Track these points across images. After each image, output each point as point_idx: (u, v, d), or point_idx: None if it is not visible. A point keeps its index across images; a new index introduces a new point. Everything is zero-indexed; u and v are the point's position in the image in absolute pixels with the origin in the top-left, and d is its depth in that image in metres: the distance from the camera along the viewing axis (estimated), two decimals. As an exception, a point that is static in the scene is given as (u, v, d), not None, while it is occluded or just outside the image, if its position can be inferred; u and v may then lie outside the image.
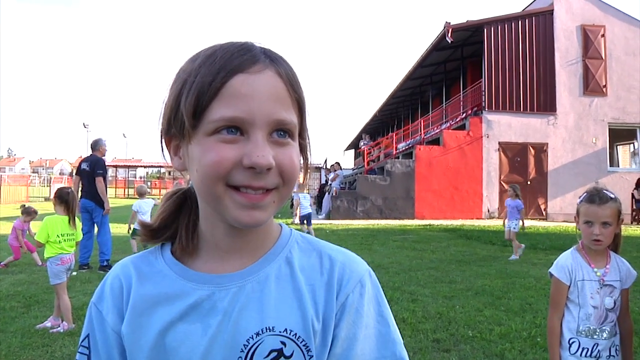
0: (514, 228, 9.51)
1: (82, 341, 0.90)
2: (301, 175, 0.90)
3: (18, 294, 6.58)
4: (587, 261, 2.45)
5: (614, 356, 2.39)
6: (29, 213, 9.35)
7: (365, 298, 0.88)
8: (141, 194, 10.58)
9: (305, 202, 12.78)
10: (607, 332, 2.38)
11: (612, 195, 2.41)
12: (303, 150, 0.87)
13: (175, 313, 0.82)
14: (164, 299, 0.84)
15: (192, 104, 0.76)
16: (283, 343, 0.81)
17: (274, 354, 0.81)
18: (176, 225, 0.92)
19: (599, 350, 2.36)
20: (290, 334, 0.82)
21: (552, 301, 2.51)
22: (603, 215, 2.37)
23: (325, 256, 0.91)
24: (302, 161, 0.87)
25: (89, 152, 9.08)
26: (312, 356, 0.82)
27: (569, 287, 2.43)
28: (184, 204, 0.93)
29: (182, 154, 0.83)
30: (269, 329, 0.81)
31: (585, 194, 2.49)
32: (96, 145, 8.81)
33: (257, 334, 0.81)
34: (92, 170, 8.50)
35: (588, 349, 2.37)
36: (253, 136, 0.76)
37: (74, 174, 10.92)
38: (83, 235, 7.82)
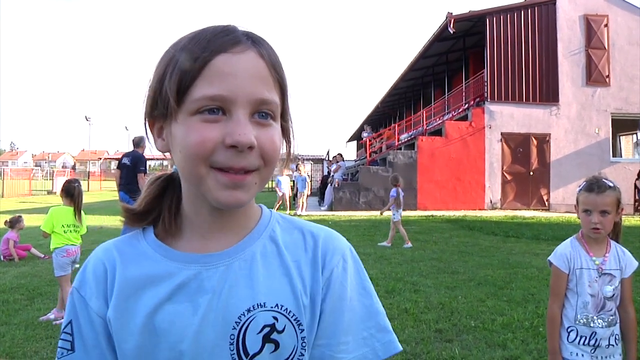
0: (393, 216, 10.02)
1: (64, 328, 0.88)
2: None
3: (21, 286, 6.61)
4: (586, 250, 2.45)
5: (613, 345, 2.39)
6: (17, 221, 9.40)
7: (349, 272, 0.91)
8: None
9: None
10: (604, 320, 2.38)
11: (610, 184, 2.41)
12: (285, 132, 0.87)
13: (163, 294, 0.82)
14: (150, 281, 0.84)
15: (175, 83, 0.77)
16: (275, 318, 0.82)
17: (267, 329, 0.82)
18: (160, 208, 0.92)
19: (596, 339, 2.37)
20: (281, 309, 0.83)
21: (552, 290, 2.53)
22: (601, 203, 2.38)
23: (308, 233, 0.93)
24: (284, 144, 0.88)
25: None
26: (303, 330, 0.84)
27: (568, 275, 2.45)
28: (168, 188, 0.93)
29: (166, 136, 0.84)
30: (261, 305, 0.82)
31: (584, 183, 2.50)
32: (140, 142, 9.08)
33: (249, 311, 0.81)
34: (134, 165, 8.83)
35: (586, 337, 2.38)
36: (235, 115, 0.77)
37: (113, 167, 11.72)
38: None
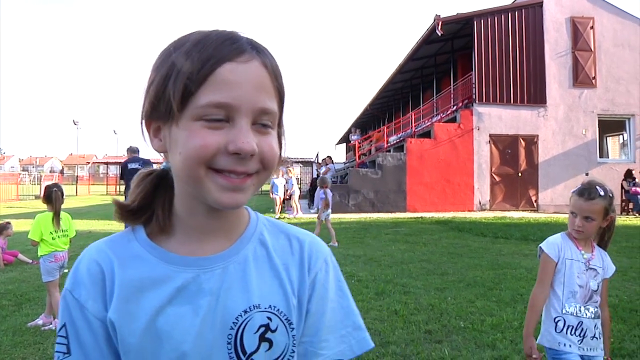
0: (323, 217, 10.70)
1: (59, 331, 0.88)
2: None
3: (9, 292, 6.55)
4: (575, 244, 2.58)
5: (597, 338, 2.50)
6: (4, 228, 9.37)
7: (330, 275, 0.99)
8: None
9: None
10: (590, 311, 2.49)
11: (601, 193, 2.51)
12: (279, 138, 0.90)
13: (164, 297, 0.85)
14: (149, 283, 0.86)
15: (180, 89, 0.78)
16: (269, 318, 0.88)
17: (262, 329, 0.87)
18: (152, 206, 0.93)
19: (582, 329, 2.47)
20: (274, 310, 0.89)
21: (538, 276, 2.63)
22: (587, 210, 2.50)
23: (293, 238, 0.99)
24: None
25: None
26: (294, 328, 0.91)
27: (557, 264, 2.55)
28: (159, 185, 0.95)
29: (163, 136, 0.85)
30: (256, 306, 0.87)
31: (580, 185, 2.61)
32: (138, 149, 10.05)
33: (245, 312, 0.86)
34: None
35: (573, 327, 2.47)
36: (238, 123, 0.79)
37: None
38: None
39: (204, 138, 0.78)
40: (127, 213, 0.93)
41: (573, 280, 2.50)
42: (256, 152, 0.80)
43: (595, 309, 2.50)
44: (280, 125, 0.89)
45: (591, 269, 2.52)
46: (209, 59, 0.78)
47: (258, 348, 0.86)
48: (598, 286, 2.51)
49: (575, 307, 2.48)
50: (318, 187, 11.25)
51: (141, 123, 0.88)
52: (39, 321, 5.10)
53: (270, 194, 17.65)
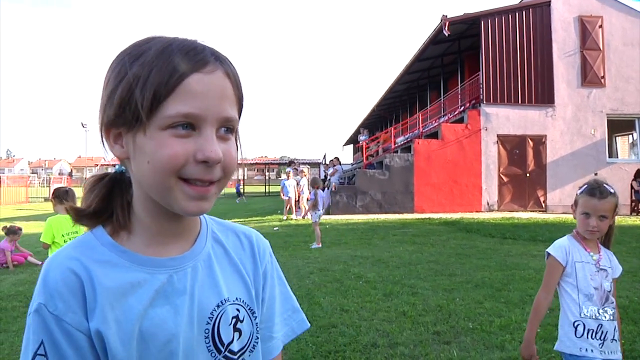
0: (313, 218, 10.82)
1: (37, 350, 0.82)
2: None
3: (20, 293, 6.60)
4: (583, 246, 2.54)
5: (615, 340, 2.44)
6: (15, 232, 9.41)
7: (274, 266, 1.10)
8: None
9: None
10: (609, 313, 2.44)
11: (612, 190, 2.49)
12: (235, 142, 0.93)
13: (146, 300, 0.86)
14: (129, 288, 0.86)
15: (149, 99, 0.79)
16: (237, 310, 0.96)
17: (234, 320, 0.95)
18: (111, 208, 0.94)
19: (602, 332, 2.41)
20: (240, 301, 0.97)
21: (544, 280, 2.60)
22: (601, 209, 2.45)
23: (241, 234, 1.08)
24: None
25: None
26: (256, 317, 1.00)
27: (565, 268, 2.51)
28: (114, 188, 0.96)
29: (126, 143, 0.86)
30: (226, 299, 0.95)
31: (585, 185, 2.56)
32: None
33: (218, 306, 0.93)
34: None
35: (593, 330, 2.42)
36: (204, 132, 0.82)
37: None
38: None
39: (173, 147, 0.80)
40: (84, 217, 0.94)
41: (587, 283, 2.44)
42: (222, 160, 0.83)
43: (613, 311, 2.44)
44: (237, 131, 0.92)
45: (602, 269, 2.48)
46: (176, 70, 0.80)
47: (233, 338, 0.93)
48: (610, 287, 2.46)
49: (594, 310, 2.42)
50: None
51: (101, 129, 0.88)
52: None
53: (281, 195, 17.68)
